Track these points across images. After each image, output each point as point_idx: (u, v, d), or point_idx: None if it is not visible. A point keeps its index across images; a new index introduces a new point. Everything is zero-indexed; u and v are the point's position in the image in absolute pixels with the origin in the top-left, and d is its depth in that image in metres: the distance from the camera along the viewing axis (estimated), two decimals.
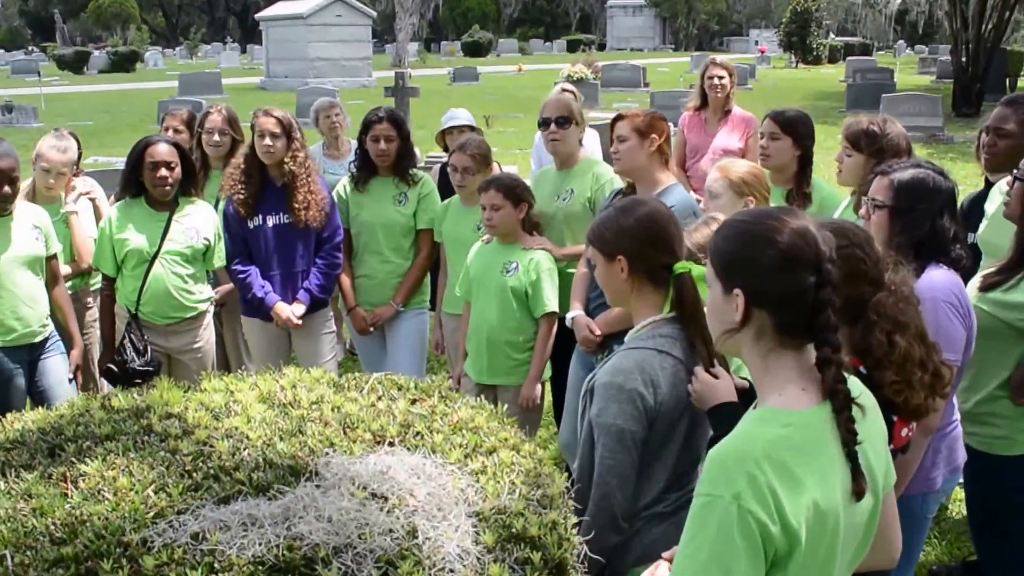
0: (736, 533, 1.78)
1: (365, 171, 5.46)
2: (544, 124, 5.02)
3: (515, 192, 4.69)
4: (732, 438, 1.92)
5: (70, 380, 4.86)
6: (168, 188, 4.91)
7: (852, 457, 1.92)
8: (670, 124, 4.61)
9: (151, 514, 2.30)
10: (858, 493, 1.93)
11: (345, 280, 5.50)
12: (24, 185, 5.05)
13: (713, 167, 4.33)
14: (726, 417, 2.59)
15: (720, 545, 1.79)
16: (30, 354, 4.76)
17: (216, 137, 5.79)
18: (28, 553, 2.17)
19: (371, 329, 5.51)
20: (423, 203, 5.45)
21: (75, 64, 48.14)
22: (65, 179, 5.42)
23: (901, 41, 63.95)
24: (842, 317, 1.95)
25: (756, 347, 1.99)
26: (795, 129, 4.86)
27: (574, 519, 2.57)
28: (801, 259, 1.92)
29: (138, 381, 4.81)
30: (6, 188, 4.56)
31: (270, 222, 5.14)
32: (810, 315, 1.92)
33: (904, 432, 2.83)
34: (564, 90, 6.64)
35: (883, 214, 3.28)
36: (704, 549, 1.81)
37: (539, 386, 4.76)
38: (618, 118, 4.50)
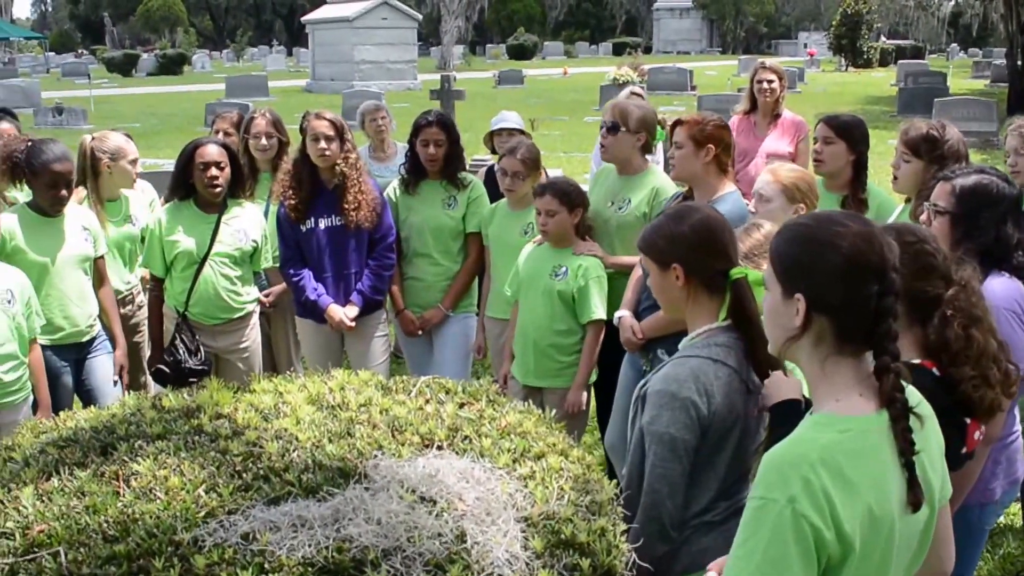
0: (790, 537, 1.77)
1: (415, 174, 5.46)
2: (600, 128, 4.99)
3: (570, 197, 4.67)
4: (788, 442, 1.91)
5: (115, 382, 4.90)
6: (219, 189, 4.95)
7: (909, 467, 1.89)
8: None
9: (202, 514, 2.31)
10: (914, 504, 1.91)
11: (395, 282, 5.51)
12: (80, 193, 5.11)
13: (764, 170, 4.27)
14: (788, 415, 2.56)
15: (773, 549, 1.78)
16: (77, 353, 4.82)
17: (263, 141, 5.82)
18: (81, 550, 2.19)
19: (419, 332, 5.52)
20: (472, 206, 5.45)
21: (124, 67, 48.89)
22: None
23: (954, 44, 62.97)
24: (913, 317, 1.93)
25: (815, 353, 1.97)
26: (849, 133, 4.78)
27: (623, 526, 2.54)
28: (866, 266, 1.90)
29: (192, 380, 4.87)
30: (63, 191, 4.63)
31: (322, 225, 5.15)
32: (871, 323, 1.90)
33: (976, 435, 2.79)
34: (633, 94, 6.59)
35: (945, 221, 3.22)
36: (757, 552, 1.80)
37: (585, 392, 4.73)
38: (677, 123, 4.46)
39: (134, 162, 5.35)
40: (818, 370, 1.97)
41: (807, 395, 2.65)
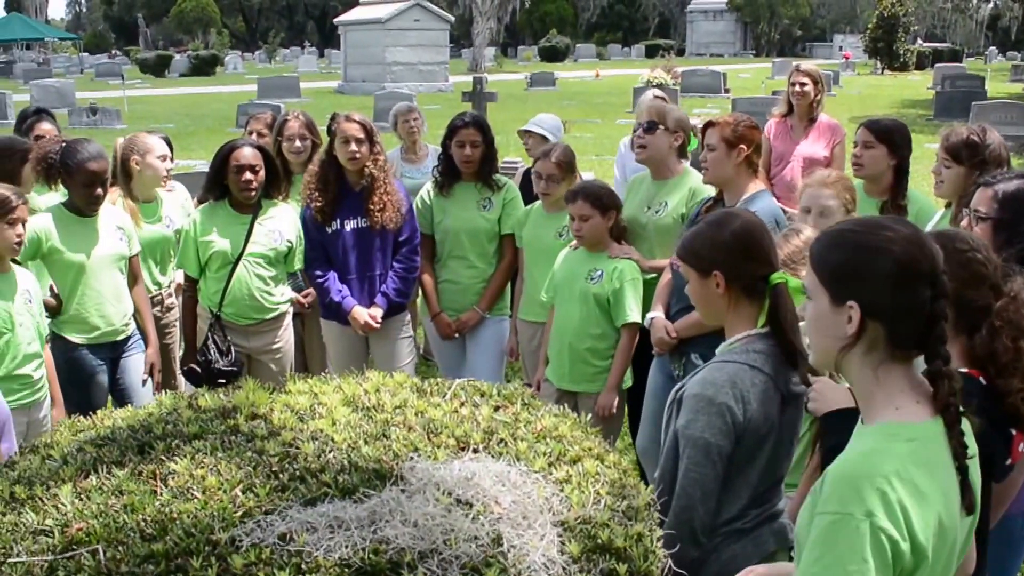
0: (868, 551, 1.76)
1: (449, 176, 5.46)
2: (635, 130, 4.97)
3: (603, 201, 4.65)
4: (858, 455, 1.88)
5: (144, 381, 4.94)
6: (252, 192, 4.97)
7: (963, 471, 1.88)
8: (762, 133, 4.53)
9: (239, 513, 2.31)
10: (968, 507, 1.91)
11: (428, 285, 5.52)
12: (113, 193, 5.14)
13: (812, 183, 4.20)
14: (842, 424, 2.53)
15: (852, 564, 1.77)
16: (112, 352, 4.85)
17: (297, 143, 5.82)
18: (119, 548, 2.20)
19: (456, 335, 5.51)
20: (507, 208, 5.44)
21: (157, 67, 49.33)
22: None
23: (992, 47, 62.26)
24: (960, 325, 1.91)
25: (866, 360, 1.94)
26: (890, 138, 4.73)
27: (659, 532, 2.53)
28: (918, 270, 1.88)
29: (221, 381, 4.89)
30: (99, 190, 4.67)
31: (348, 227, 5.17)
32: (925, 327, 1.88)
33: (1021, 446, 2.75)
34: (656, 96, 6.57)
35: (986, 226, 3.18)
36: (834, 568, 1.78)
37: (616, 395, 4.71)
38: (708, 125, 4.43)
39: (163, 158, 5.38)
40: (871, 378, 1.94)
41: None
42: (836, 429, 2.55)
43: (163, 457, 2.61)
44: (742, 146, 4.32)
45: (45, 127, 5.83)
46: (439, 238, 5.49)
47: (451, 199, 5.47)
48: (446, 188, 5.46)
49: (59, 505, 2.39)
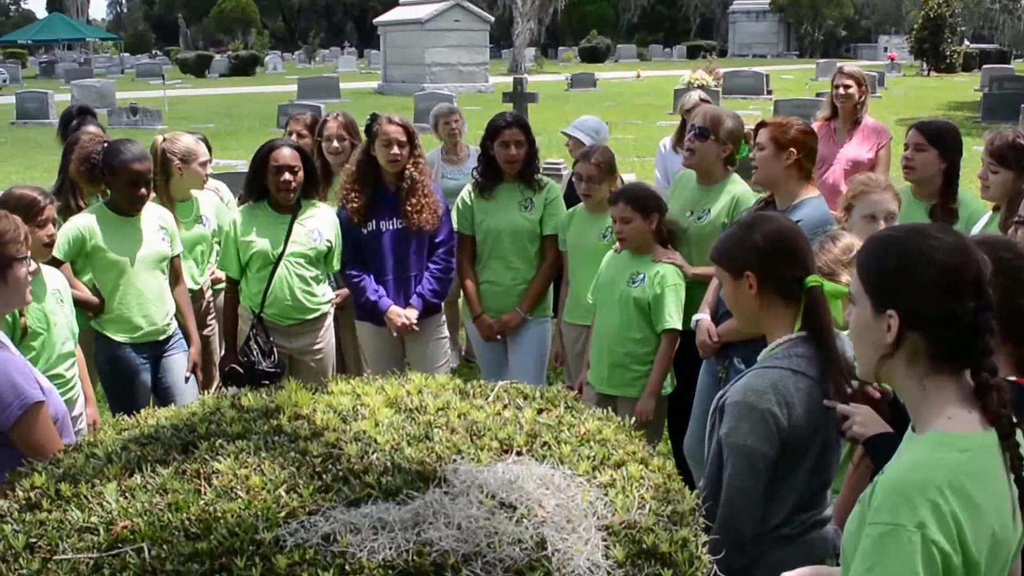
0: (920, 564, 1.72)
1: (490, 177, 5.44)
2: (688, 130, 4.93)
3: (645, 203, 4.62)
4: (910, 465, 1.85)
5: (186, 379, 4.96)
6: (291, 192, 4.98)
7: (1020, 484, 1.84)
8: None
9: (283, 513, 2.31)
10: None
11: (470, 287, 5.51)
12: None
13: (873, 188, 4.12)
14: (886, 448, 2.49)
15: None
16: (154, 351, 4.89)
17: (335, 144, 5.88)
18: (164, 547, 2.20)
19: (498, 337, 5.50)
20: (549, 208, 5.42)
21: (197, 68, 49.81)
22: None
23: None
24: (1007, 334, 1.87)
25: (910, 372, 1.90)
26: (942, 141, 4.66)
27: (704, 537, 2.50)
28: (962, 280, 1.84)
29: (264, 383, 4.91)
30: (143, 190, 4.71)
31: (384, 227, 5.17)
32: (968, 339, 1.83)
33: None
34: (701, 99, 6.53)
35: None
36: None
37: (655, 402, 4.67)
38: (761, 125, 4.40)
39: (204, 164, 5.42)
40: (917, 389, 1.91)
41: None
42: (881, 454, 2.50)
43: (207, 456, 2.61)
44: (792, 149, 4.26)
45: (92, 130, 5.90)
46: (480, 239, 5.48)
47: (493, 200, 5.45)
48: (487, 189, 5.44)
49: (104, 503, 2.40)
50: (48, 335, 4.16)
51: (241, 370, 5.01)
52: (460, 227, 5.50)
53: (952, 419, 1.86)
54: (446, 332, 5.62)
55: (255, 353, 5.03)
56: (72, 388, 4.32)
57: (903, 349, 1.89)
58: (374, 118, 5.14)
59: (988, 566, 1.78)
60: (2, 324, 3.42)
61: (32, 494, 2.52)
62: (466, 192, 5.57)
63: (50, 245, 4.25)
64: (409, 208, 5.09)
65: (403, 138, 5.05)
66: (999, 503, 1.81)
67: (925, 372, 1.89)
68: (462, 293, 5.59)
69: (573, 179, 5.31)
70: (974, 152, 4.39)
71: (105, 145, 4.81)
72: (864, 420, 2.69)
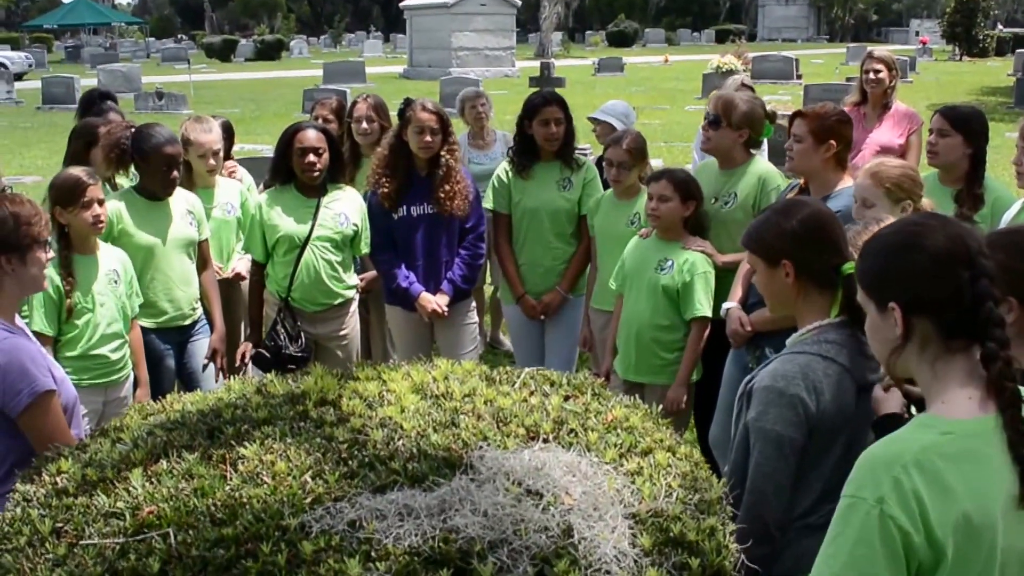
0: (876, 538, 1.75)
1: (527, 157, 5.41)
2: (705, 118, 4.91)
3: (687, 187, 4.59)
4: (885, 441, 1.88)
5: (204, 365, 4.97)
6: (316, 174, 4.96)
7: (1020, 460, 1.82)
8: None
9: (308, 500, 2.31)
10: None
11: (510, 267, 5.50)
12: None
13: (863, 174, 4.09)
14: (890, 429, 2.47)
15: (859, 549, 1.77)
16: (180, 336, 4.91)
17: (364, 125, 5.88)
18: (190, 532, 2.21)
19: (542, 316, 5.49)
20: (587, 188, 5.39)
21: (223, 52, 49.88)
22: (221, 161, 5.53)
23: None
24: None
25: (923, 357, 1.93)
26: (967, 126, 4.61)
27: (732, 526, 2.48)
28: (951, 256, 1.87)
29: (291, 367, 4.92)
30: (174, 173, 4.72)
31: (415, 212, 5.15)
32: (971, 311, 1.85)
33: None
34: (743, 85, 6.46)
35: None
36: (843, 551, 1.79)
37: (685, 390, 4.64)
38: (797, 115, 4.35)
39: (206, 156, 5.34)
40: (929, 373, 1.93)
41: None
42: (887, 433, 2.49)
43: (232, 442, 2.61)
44: (832, 141, 4.24)
45: (114, 118, 5.90)
46: (517, 219, 5.46)
47: (531, 180, 5.42)
48: (524, 169, 5.41)
49: (130, 488, 2.40)
50: (93, 315, 4.19)
51: (268, 355, 5.01)
52: (497, 206, 5.49)
53: (946, 403, 1.88)
54: (475, 318, 5.62)
55: (282, 337, 5.03)
56: (120, 370, 4.34)
57: (914, 338, 1.92)
58: (408, 103, 5.12)
59: (962, 552, 1.77)
60: (19, 307, 3.43)
61: (59, 479, 2.54)
62: (502, 171, 5.54)
63: (97, 224, 4.26)
64: (442, 195, 5.08)
65: (436, 125, 5.04)
66: (980, 488, 1.79)
67: (937, 355, 1.91)
68: (486, 278, 5.56)
69: (603, 164, 5.27)
70: (1007, 139, 4.34)
71: (133, 130, 4.82)
72: (875, 400, 2.67)
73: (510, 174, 5.47)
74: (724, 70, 22.80)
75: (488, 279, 7.09)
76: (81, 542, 2.23)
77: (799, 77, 30.21)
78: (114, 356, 4.31)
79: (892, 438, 1.88)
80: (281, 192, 5.08)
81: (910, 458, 1.78)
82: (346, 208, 5.10)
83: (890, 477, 1.77)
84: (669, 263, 4.58)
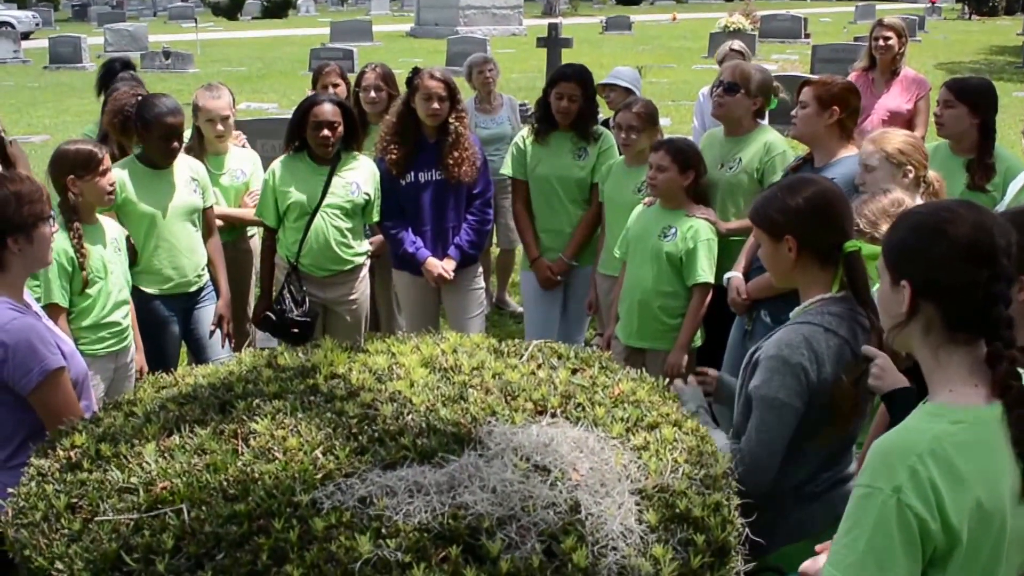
0: (894, 527, 1.78)
1: (546, 123, 5.46)
2: (717, 85, 4.92)
3: (685, 156, 4.60)
4: (898, 431, 1.90)
5: (211, 331, 5.00)
6: (330, 148, 5.00)
7: (1022, 457, 1.86)
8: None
9: (319, 476, 2.34)
10: None
11: (527, 231, 5.56)
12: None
13: (867, 140, 4.12)
14: (904, 402, 2.50)
15: (877, 538, 1.79)
16: (185, 303, 4.93)
17: (372, 94, 5.92)
18: (203, 508, 2.24)
19: (558, 278, 5.54)
20: (603, 157, 5.42)
21: (229, 11, 49.32)
22: (231, 128, 5.54)
23: None
24: None
25: (926, 341, 1.95)
26: (971, 98, 4.66)
27: (737, 500, 2.51)
28: (974, 251, 1.88)
29: (295, 331, 4.96)
30: (175, 143, 4.73)
31: (423, 179, 5.18)
32: (982, 310, 1.87)
33: None
34: (732, 50, 6.54)
35: None
36: (861, 541, 1.81)
37: (685, 354, 4.67)
38: (805, 83, 4.40)
39: (213, 121, 5.39)
40: (932, 359, 1.95)
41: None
42: (900, 408, 2.51)
43: (244, 416, 2.64)
44: (835, 107, 4.28)
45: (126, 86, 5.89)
46: (533, 185, 5.52)
47: (547, 147, 5.47)
48: (542, 136, 5.47)
49: (143, 463, 2.43)
50: (105, 283, 4.23)
51: (273, 317, 5.06)
52: (515, 172, 5.57)
53: (954, 392, 1.90)
54: (482, 283, 5.65)
55: (287, 302, 5.08)
56: (127, 337, 4.39)
57: (917, 319, 1.94)
58: (416, 72, 5.14)
59: (975, 536, 1.81)
60: (27, 282, 3.44)
61: (72, 453, 2.57)
62: (520, 137, 5.61)
63: (112, 193, 4.30)
64: (451, 161, 5.10)
65: (444, 93, 5.05)
66: (990, 475, 1.83)
67: (940, 342, 1.93)
68: (493, 241, 5.59)
69: (613, 129, 5.29)
70: (1015, 98, 4.35)
71: (139, 98, 4.82)
72: (879, 372, 2.69)
73: (528, 141, 5.52)
74: (732, 29, 22.63)
75: (495, 240, 7.13)
76: (96, 518, 2.26)
77: (807, 36, 29.91)
78: (125, 322, 4.36)
79: (904, 428, 1.90)
80: (294, 159, 5.10)
81: (925, 448, 1.81)
82: (359, 177, 5.12)
83: (906, 467, 1.79)
84: (673, 230, 4.60)
